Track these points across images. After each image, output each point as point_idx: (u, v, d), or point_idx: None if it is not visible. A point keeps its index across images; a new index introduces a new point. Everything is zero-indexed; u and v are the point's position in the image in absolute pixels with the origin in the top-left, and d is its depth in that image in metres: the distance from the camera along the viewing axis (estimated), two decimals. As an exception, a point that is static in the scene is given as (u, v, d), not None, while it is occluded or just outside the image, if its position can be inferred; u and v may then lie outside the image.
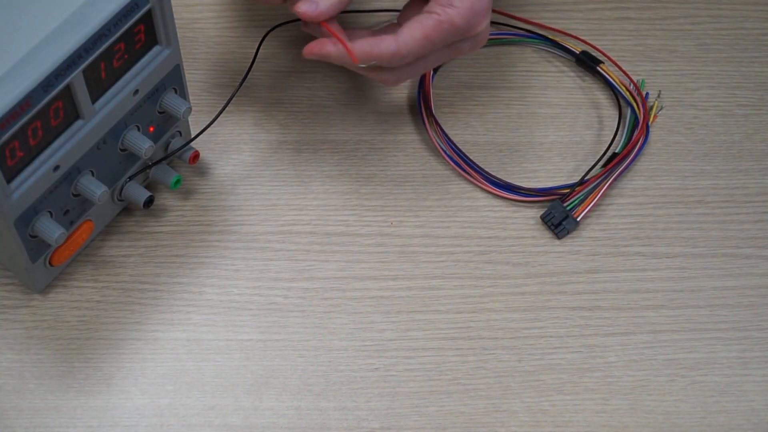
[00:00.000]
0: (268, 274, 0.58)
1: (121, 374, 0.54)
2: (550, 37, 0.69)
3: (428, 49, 0.54)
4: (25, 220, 0.49)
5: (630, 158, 0.63)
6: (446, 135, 0.64)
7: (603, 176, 0.62)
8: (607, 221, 0.62)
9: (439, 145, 0.64)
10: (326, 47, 0.53)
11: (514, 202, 0.62)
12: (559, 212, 0.60)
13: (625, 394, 0.56)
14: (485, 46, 0.70)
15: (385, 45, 0.53)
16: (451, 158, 0.63)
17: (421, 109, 0.65)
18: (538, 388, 0.55)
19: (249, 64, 0.62)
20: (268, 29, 0.64)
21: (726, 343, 0.58)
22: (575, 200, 0.61)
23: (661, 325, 0.58)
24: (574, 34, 0.69)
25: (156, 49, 0.52)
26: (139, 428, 0.53)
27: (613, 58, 0.68)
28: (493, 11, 0.71)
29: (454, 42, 0.55)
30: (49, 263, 0.54)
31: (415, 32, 0.53)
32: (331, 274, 0.59)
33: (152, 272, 0.58)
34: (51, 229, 0.50)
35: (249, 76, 0.62)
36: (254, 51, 0.64)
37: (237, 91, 0.60)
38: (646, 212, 0.63)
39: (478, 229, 0.61)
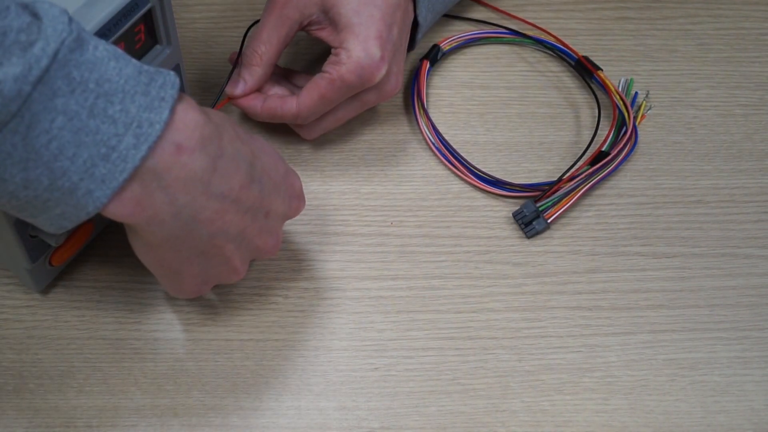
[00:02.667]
0: (268, 274, 0.58)
1: (121, 374, 0.54)
2: (551, 41, 0.69)
3: (328, 106, 0.58)
4: (25, 221, 0.49)
5: (614, 164, 0.63)
6: (436, 129, 0.65)
7: (583, 179, 0.62)
8: (607, 221, 0.62)
9: (428, 137, 0.64)
10: (248, 102, 0.60)
11: (514, 202, 0.62)
12: (531, 211, 0.60)
13: (625, 394, 0.56)
14: (485, 45, 0.70)
15: (287, 107, 0.59)
16: (438, 150, 0.63)
17: (414, 103, 0.65)
18: (538, 388, 0.55)
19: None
20: (250, 24, 0.64)
21: (726, 343, 0.58)
22: (549, 201, 0.61)
23: (661, 325, 0.58)
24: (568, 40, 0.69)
25: (156, 48, 0.52)
26: (139, 428, 0.53)
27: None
28: (497, 11, 0.71)
29: (357, 95, 0.59)
30: (49, 263, 0.54)
31: (312, 93, 0.58)
32: (331, 274, 0.59)
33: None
34: (51, 229, 0.50)
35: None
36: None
37: (224, 87, 0.60)
38: (646, 212, 0.63)
39: (478, 229, 0.61)
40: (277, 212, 0.49)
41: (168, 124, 0.41)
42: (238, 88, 0.59)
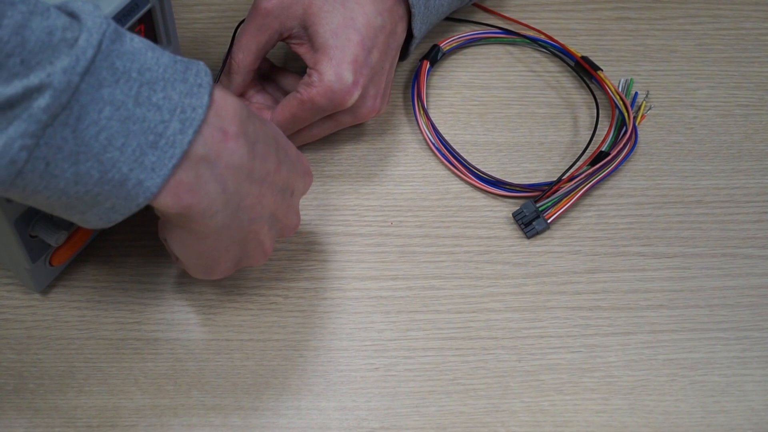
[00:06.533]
0: (268, 274, 0.58)
1: (121, 374, 0.54)
2: (551, 41, 0.69)
3: (300, 125, 0.59)
4: (25, 220, 0.49)
5: (614, 164, 0.63)
6: (436, 129, 0.65)
7: (583, 179, 0.62)
8: (607, 221, 0.62)
9: (428, 137, 0.64)
10: None
11: (514, 202, 0.62)
12: (531, 211, 0.60)
13: (625, 394, 0.56)
14: (485, 45, 0.70)
15: None
16: (438, 150, 0.63)
17: (414, 103, 0.65)
18: (538, 388, 0.55)
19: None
20: (237, 24, 0.64)
21: (726, 343, 0.58)
22: (549, 201, 0.61)
23: (661, 325, 0.58)
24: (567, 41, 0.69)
25: (156, 49, 0.52)
26: (139, 428, 0.53)
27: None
28: (494, 13, 0.71)
29: (332, 115, 0.59)
30: (49, 263, 0.54)
31: (284, 111, 0.58)
32: (331, 274, 0.59)
33: (152, 272, 0.58)
34: (51, 230, 0.50)
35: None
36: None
37: (215, 82, 0.60)
38: (646, 212, 0.63)
39: (478, 229, 0.61)
40: (298, 190, 0.51)
41: (209, 108, 0.42)
42: None
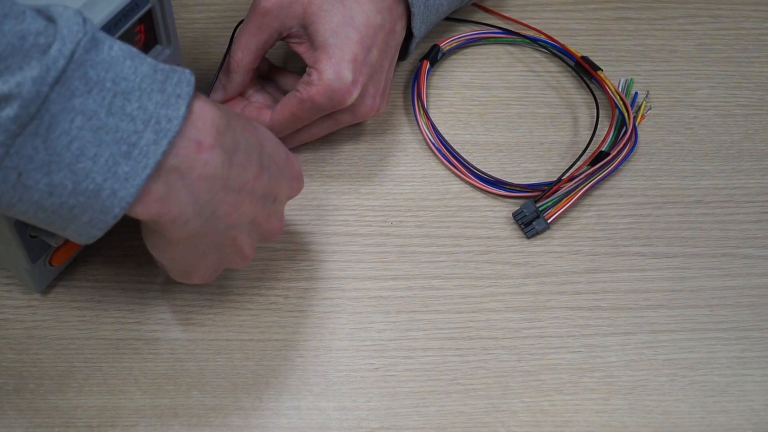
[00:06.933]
0: (268, 274, 0.58)
1: (121, 374, 0.54)
2: (551, 41, 0.69)
3: (299, 124, 0.59)
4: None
5: (614, 164, 0.63)
6: (436, 129, 0.65)
7: (583, 179, 0.62)
8: (607, 221, 0.62)
9: (428, 137, 0.64)
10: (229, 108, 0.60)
11: (514, 202, 0.62)
12: (531, 211, 0.60)
13: (625, 394, 0.56)
14: (485, 45, 0.70)
15: (262, 119, 0.59)
16: (438, 150, 0.63)
17: (414, 103, 0.65)
18: (538, 388, 0.55)
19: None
20: (236, 24, 0.64)
21: (725, 343, 0.58)
22: (549, 201, 0.61)
23: (660, 325, 0.58)
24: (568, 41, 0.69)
25: (156, 48, 0.52)
26: (139, 428, 0.53)
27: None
28: (494, 13, 0.71)
29: (331, 114, 0.59)
30: (49, 263, 0.54)
31: (284, 110, 0.58)
32: (331, 274, 0.59)
33: (152, 272, 0.58)
34: (51, 230, 0.50)
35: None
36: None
37: (214, 82, 0.60)
38: (646, 212, 0.63)
39: (478, 229, 0.61)
40: (282, 196, 0.50)
41: (186, 119, 0.42)
42: (217, 94, 0.60)
